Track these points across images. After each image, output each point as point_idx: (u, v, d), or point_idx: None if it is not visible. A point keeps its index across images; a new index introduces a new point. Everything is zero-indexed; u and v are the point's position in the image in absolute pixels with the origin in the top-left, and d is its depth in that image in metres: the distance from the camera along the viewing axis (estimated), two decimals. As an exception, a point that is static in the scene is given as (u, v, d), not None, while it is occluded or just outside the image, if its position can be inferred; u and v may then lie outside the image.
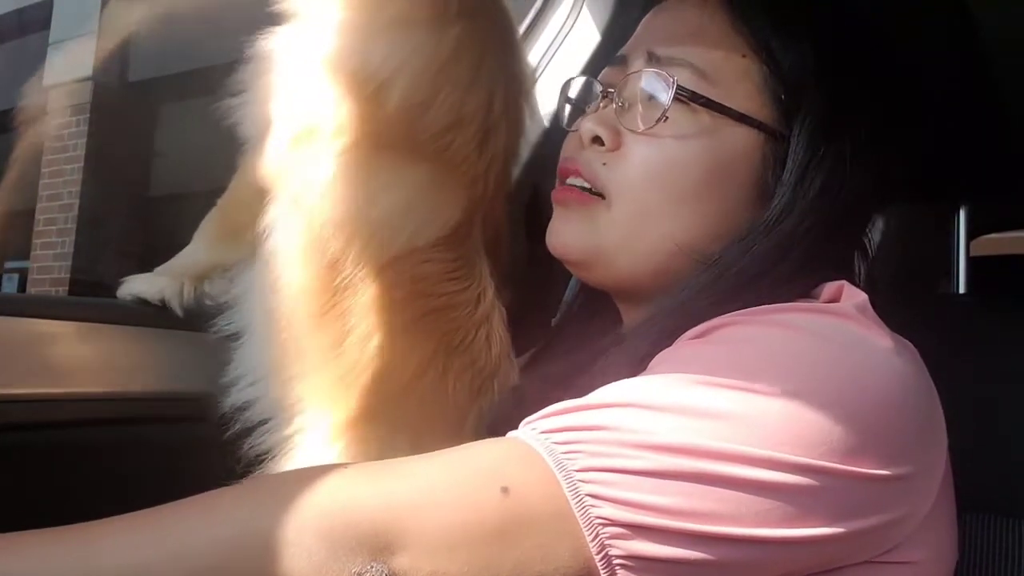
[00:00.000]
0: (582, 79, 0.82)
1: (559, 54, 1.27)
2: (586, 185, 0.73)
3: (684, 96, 0.70)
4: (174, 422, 0.86)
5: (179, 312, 0.91)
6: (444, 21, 0.74)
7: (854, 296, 0.64)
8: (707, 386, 0.55)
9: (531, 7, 1.30)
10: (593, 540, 0.52)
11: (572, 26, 1.27)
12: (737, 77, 0.71)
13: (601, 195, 0.73)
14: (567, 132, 0.80)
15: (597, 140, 0.73)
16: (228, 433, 0.79)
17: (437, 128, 0.74)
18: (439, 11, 0.74)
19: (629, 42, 0.78)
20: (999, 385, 0.91)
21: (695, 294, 0.67)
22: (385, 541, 0.50)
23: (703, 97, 0.70)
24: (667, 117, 0.70)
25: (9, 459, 0.79)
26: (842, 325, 0.60)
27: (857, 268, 0.74)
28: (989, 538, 0.88)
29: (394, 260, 0.74)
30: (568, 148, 0.78)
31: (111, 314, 0.91)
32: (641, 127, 0.71)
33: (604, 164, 0.73)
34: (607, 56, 0.81)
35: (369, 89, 0.72)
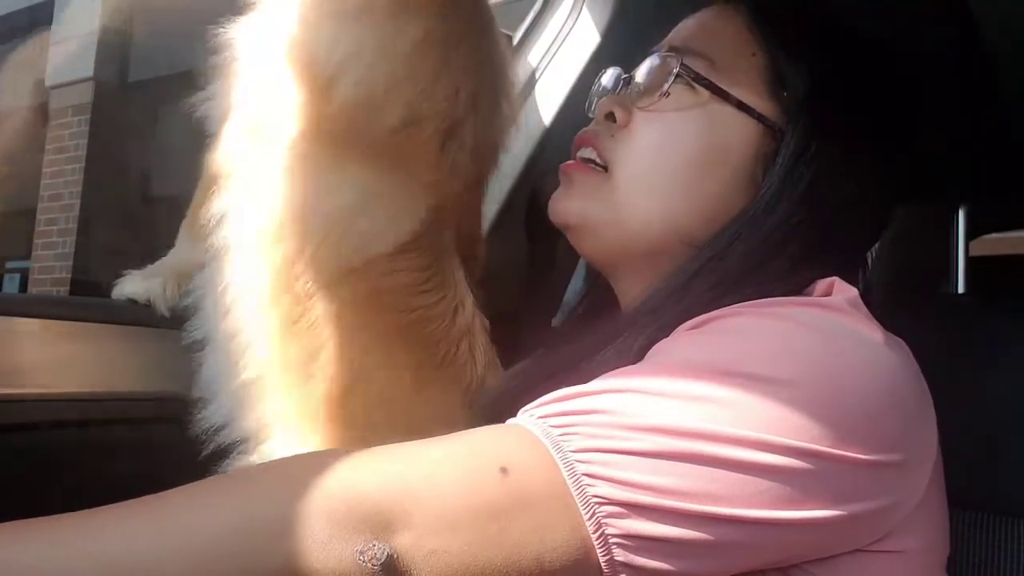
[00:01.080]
0: (613, 69, 0.85)
1: (559, 54, 1.27)
2: (593, 157, 0.77)
3: (688, 76, 0.74)
4: (169, 422, 0.85)
5: (164, 312, 0.90)
6: (405, 15, 0.73)
7: (845, 291, 0.66)
8: (703, 372, 0.57)
9: (531, 7, 1.30)
10: (590, 519, 0.53)
11: (572, 26, 1.27)
12: (744, 71, 0.74)
13: (605, 168, 0.76)
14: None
15: (610, 116, 0.77)
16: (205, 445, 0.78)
17: (390, 126, 0.73)
18: (399, 5, 0.73)
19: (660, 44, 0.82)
20: (998, 385, 0.91)
21: (687, 281, 0.69)
22: (387, 520, 0.51)
23: (705, 79, 0.74)
24: (668, 93, 0.74)
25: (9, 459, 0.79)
26: (834, 318, 0.62)
27: (859, 271, 0.75)
28: (988, 537, 0.88)
29: (356, 269, 0.73)
30: (587, 128, 0.82)
31: (105, 314, 0.91)
32: (648, 103, 0.75)
33: (612, 136, 0.77)
34: (607, 56, 0.82)
35: (319, 82, 0.72)
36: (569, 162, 0.79)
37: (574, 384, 0.59)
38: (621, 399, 0.56)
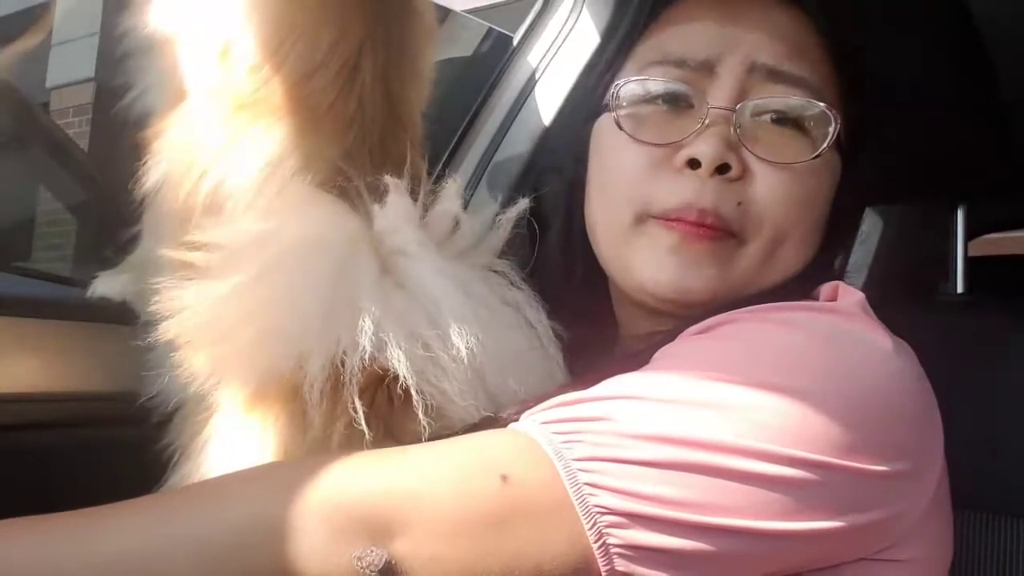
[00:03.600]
0: (652, 80, 0.70)
1: (559, 54, 1.27)
2: (715, 223, 0.66)
3: (842, 136, 0.68)
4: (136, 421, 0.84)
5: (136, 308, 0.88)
6: None
7: (852, 295, 0.64)
8: (707, 380, 0.55)
9: (531, 7, 1.30)
10: (591, 528, 0.52)
11: (572, 26, 1.27)
12: (833, 92, 0.69)
13: (733, 234, 0.66)
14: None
15: (722, 168, 0.65)
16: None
17: (294, 79, 0.73)
18: None
19: (703, 43, 0.69)
20: (996, 385, 0.91)
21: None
22: (385, 526, 0.51)
23: (839, 136, 0.68)
24: (821, 155, 0.67)
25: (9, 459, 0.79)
26: (842, 323, 0.61)
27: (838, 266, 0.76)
28: (988, 537, 0.88)
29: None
30: (668, 180, 0.67)
31: (88, 312, 0.90)
32: (788, 160, 0.67)
33: (739, 204, 0.66)
34: (608, 56, 0.80)
35: (215, 52, 0.73)
36: (690, 227, 0.66)
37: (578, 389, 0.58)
38: (626, 406, 0.55)
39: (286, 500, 0.51)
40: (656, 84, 0.70)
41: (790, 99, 0.67)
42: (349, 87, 0.74)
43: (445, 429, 0.64)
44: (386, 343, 0.63)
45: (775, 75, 0.67)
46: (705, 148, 0.65)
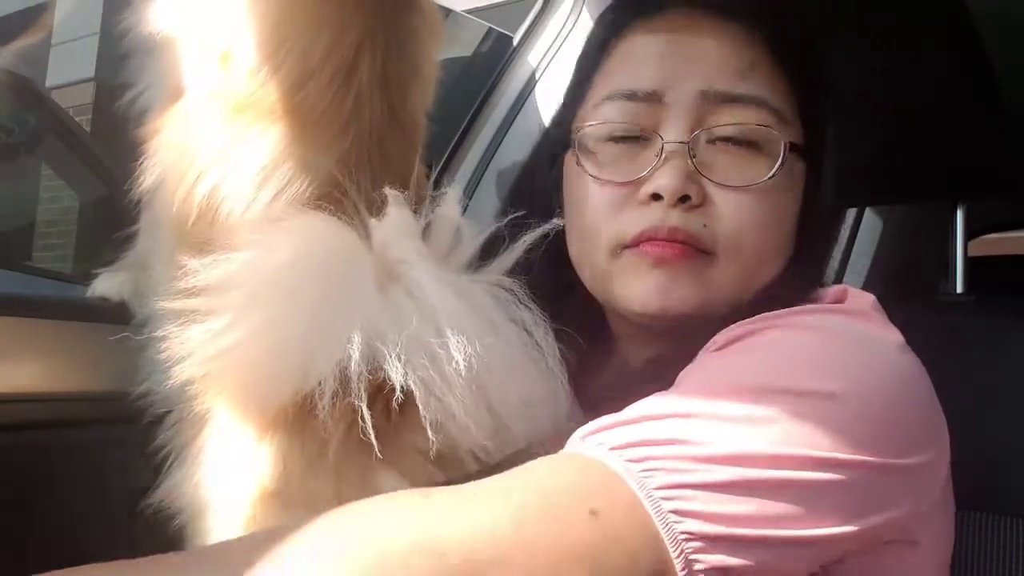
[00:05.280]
0: (598, 124, 0.73)
1: (559, 54, 1.27)
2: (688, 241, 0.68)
3: (793, 151, 0.69)
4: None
5: (133, 306, 0.88)
6: None
7: (863, 296, 0.67)
8: (760, 393, 0.56)
9: (531, 7, 1.30)
10: (678, 556, 0.52)
11: (572, 26, 1.27)
12: (787, 104, 0.71)
13: (704, 251, 0.68)
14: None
15: (684, 199, 0.68)
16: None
17: (291, 82, 0.72)
18: None
19: (650, 74, 0.71)
20: (996, 385, 0.91)
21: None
22: (477, 571, 0.48)
23: (798, 146, 0.70)
24: (774, 176, 0.68)
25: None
26: (859, 325, 0.63)
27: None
28: (988, 537, 0.88)
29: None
30: (635, 213, 0.69)
31: (88, 312, 0.90)
32: (744, 181, 0.68)
33: (705, 226, 0.68)
34: (570, 89, 0.80)
35: (217, 55, 0.73)
36: (666, 245, 0.68)
37: (608, 404, 0.59)
38: (689, 425, 0.55)
39: (369, 548, 0.48)
40: (611, 127, 0.72)
41: (741, 126, 0.69)
42: (345, 89, 0.73)
43: (447, 445, 0.64)
44: (386, 354, 0.63)
45: (728, 98, 0.69)
46: (665, 182, 0.67)
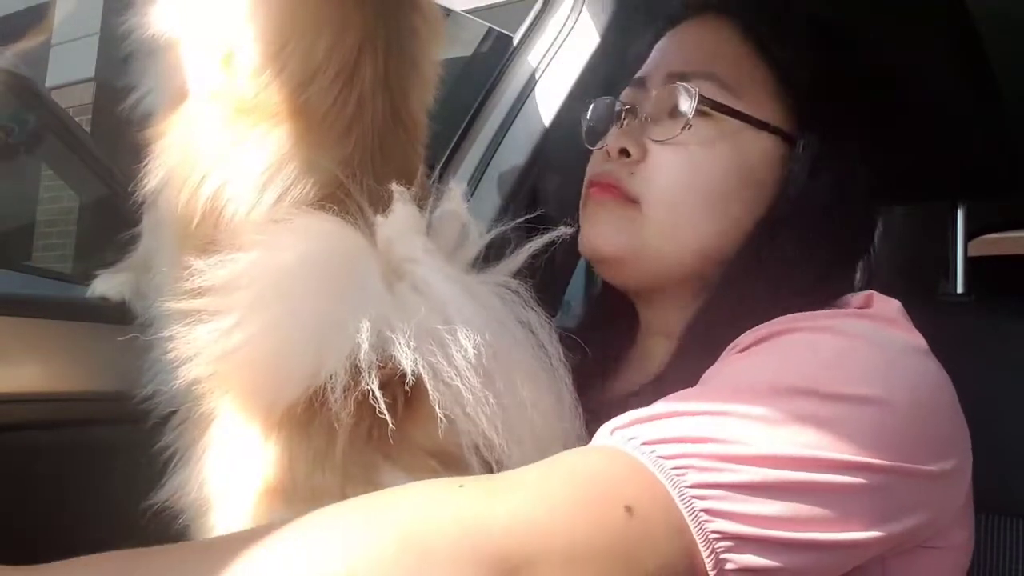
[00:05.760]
0: (604, 100, 0.84)
1: (559, 54, 1.27)
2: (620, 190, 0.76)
3: (706, 105, 0.74)
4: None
5: (135, 307, 0.88)
6: None
7: (889, 302, 0.67)
8: (792, 394, 0.57)
9: (531, 7, 1.31)
10: (709, 555, 0.53)
11: (572, 26, 1.28)
12: (753, 86, 0.76)
13: (635, 201, 0.75)
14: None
15: (624, 152, 0.76)
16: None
17: (295, 83, 0.72)
18: None
19: (646, 65, 0.82)
20: (997, 385, 0.91)
21: (722, 299, 0.71)
22: (512, 564, 0.48)
23: (724, 105, 0.75)
24: (691, 125, 0.74)
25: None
26: (887, 331, 0.64)
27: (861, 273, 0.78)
28: (990, 537, 0.88)
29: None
30: (594, 165, 0.81)
31: (88, 312, 0.90)
32: (667, 136, 0.75)
33: (632, 174, 0.76)
34: (608, 62, 0.82)
35: (219, 57, 0.74)
36: (602, 186, 0.78)
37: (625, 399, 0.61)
38: (721, 424, 0.56)
39: (403, 537, 0.48)
40: (611, 104, 0.82)
41: (666, 87, 0.77)
42: (348, 90, 0.73)
43: (453, 443, 0.64)
44: (394, 340, 0.63)
45: (681, 76, 0.77)
46: (609, 139, 0.78)
